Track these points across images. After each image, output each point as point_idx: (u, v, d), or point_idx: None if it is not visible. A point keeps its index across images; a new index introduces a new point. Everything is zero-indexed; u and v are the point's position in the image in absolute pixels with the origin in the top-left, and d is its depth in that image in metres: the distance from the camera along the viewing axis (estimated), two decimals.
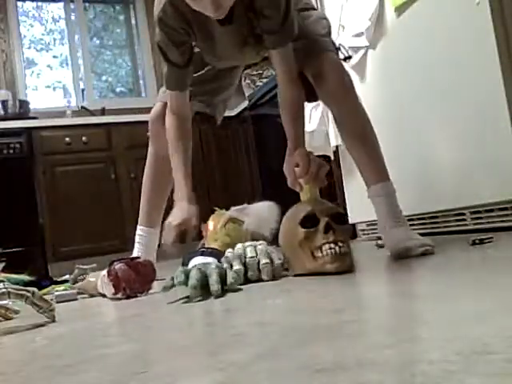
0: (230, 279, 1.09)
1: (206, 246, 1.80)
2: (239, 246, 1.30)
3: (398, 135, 2.13)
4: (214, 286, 1.04)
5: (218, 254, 1.28)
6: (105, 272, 1.48)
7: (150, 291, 1.44)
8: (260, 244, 1.30)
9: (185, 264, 1.28)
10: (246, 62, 1.76)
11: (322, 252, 1.17)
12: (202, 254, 1.27)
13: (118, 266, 1.41)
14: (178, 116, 1.58)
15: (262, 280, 1.23)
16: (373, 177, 1.51)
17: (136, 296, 1.39)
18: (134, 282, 1.40)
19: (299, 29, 1.42)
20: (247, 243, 1.30)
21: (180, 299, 1.11)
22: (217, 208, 1.91)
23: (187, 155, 1.60)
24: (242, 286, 1.18)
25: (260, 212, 1.86)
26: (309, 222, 1.21)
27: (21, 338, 0.98)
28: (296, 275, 1.25)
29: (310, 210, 1.22)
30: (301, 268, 1.23)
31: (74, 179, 3.60)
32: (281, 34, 1.38)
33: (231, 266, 1.22)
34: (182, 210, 1.48)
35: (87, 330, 0.98)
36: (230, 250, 1.30)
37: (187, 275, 1.09)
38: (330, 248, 1.16)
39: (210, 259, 1.22)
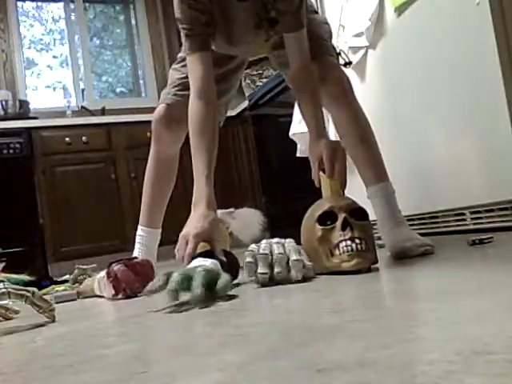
0: (219, 285, 0.97)
1: None
2: (264, 242, 1.18)
3: (398, 135, 2.13)
4: (196, 289, 0.93)
5: (215, 255, 1.18)
6: (102, 274, 1.49)
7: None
8: (288, 242, 1.19)
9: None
10: (254, 51, 1.73)
11: (339, 250, 1.14)
12: (200, 255, 1.17)
13: (116, 267, 1.42)
14: (202, 101, 1.40)
15: (289, 281, 1.11)
16: (372, 177, 1.51)
17: (136, 296, 1.39)
18: (134, 282, 1.40)
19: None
20: (274, 240, 1.18)
21: (168, 307, 1.01)
22: None
23: (211, 151, 1.37)
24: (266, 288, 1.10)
25: (247, 218, 1.88)
26: (327, 219, 1.18)
27: (21, 338, 0.98)
28: (317, 274, 1.20)
29: (328, 206, 1.19)
30: (320, 267, 1.19)
31: (74, 179, 3.60)
32: (296, 16, 1.38)
33: (256, 268, 1.12)
34: (198, 218, 1.27)
35: (87, 329, 0.98)
36: (253, 246, 1.18)
37: (167, 279, 0.99)
38: (347, 245, 1.13)
39: (209, 261, 1.10)
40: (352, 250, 1.13)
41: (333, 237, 1.16)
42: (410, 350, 0.49)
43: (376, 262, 1.19)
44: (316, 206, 1.25)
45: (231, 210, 1.87)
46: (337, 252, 1.15)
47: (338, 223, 1.16)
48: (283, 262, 1.12)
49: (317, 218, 1.19)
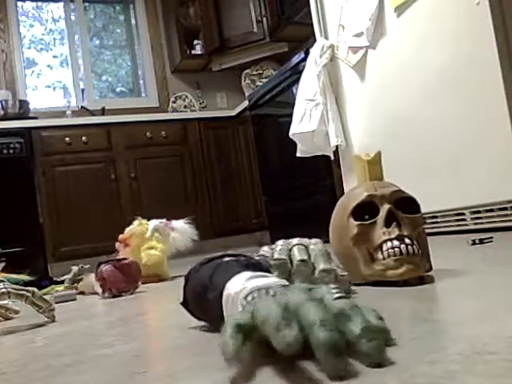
0: (373, 319, 0.50)
1: (124, 254, 1.87)
2: (281, 243, 0.90)
3: (398, 135, 2.13)
4: (374, 345, 0.46)
5: (262, 265, 0.72)
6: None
7: (137, 290, 1.55)
8: (315, 243, 0.89)
9: (197, 284, 0.73)
10: None
11: (382, 253, 0.87)
12: (247, 266, 0.68)
13: (105, 267, 1.52)
14: None
15: None
16: None
17: (121, 295, 1.49)
18: (120, 282, 1.50)
19: None
20: (294, 240, 0.89)
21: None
22: (139, 218, 2.01)
23: None
24: None
25: (183, 230, 2.01)
26: (365, 211, 0.90)
27: (21, 338, 0.98)
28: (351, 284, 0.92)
29: (367, 195, 0.90)
30: (355, 275, 0.91)
31: (74, 179, 3.60)
32: None
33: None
34: None
35: (87, 329, 0.98)
36: (265, 249, 0.91)
37: (297, 318, 0.47)
38: (393, 247, 0.85)
39: (275, 279, 0.62)
40: (400, 253, 0.85)
41: (374, 235, 0.88)
42: (410, 349, 0.49)
43: (430, 269, 0.92)
44: (349, 194, 0.94)
45: (164, 221, 1.99)
46: (379, 256, 0.87)
47: (381, 217, 0.88)
48: (305, 274, 0.82)
49: (351, 210, 0.91)
